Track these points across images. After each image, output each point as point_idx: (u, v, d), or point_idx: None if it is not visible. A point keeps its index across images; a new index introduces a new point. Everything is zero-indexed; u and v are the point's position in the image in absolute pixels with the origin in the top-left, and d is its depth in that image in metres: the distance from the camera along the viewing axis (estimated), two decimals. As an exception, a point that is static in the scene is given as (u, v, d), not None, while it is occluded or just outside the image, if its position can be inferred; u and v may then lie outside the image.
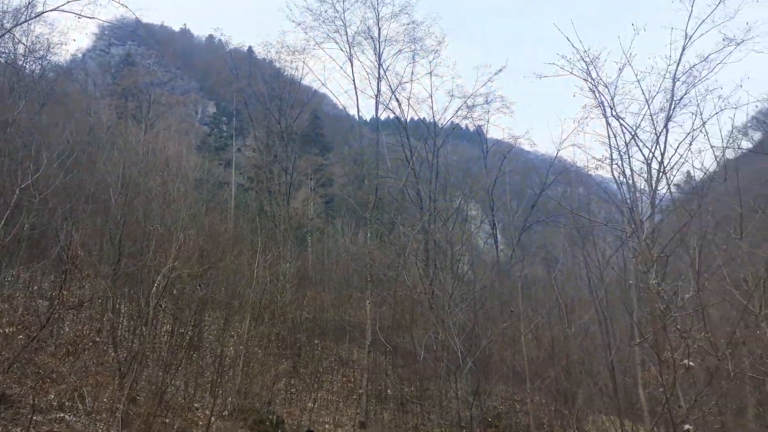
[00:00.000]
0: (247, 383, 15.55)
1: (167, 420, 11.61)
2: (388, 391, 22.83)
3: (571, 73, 16.19)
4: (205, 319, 19.94)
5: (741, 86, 15.57)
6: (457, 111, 31.44)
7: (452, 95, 34.78)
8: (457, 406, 12.04)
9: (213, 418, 12.46)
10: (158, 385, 11.91)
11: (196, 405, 13.98)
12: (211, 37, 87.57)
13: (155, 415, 10.88)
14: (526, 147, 40.71)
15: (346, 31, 28.12)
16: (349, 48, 28.13)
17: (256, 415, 14.89)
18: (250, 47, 46.94)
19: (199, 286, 14.98)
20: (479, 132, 36.90)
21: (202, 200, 27.34)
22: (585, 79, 16.06)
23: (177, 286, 14.11)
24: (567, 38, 16.14)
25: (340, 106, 53.94)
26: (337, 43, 28.30)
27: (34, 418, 8.95)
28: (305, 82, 34.51)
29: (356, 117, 34.80)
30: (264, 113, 34.15)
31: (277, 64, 34.14)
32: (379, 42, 28.12)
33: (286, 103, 32.70)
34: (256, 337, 20.74)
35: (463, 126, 40.50)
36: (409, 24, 28.45)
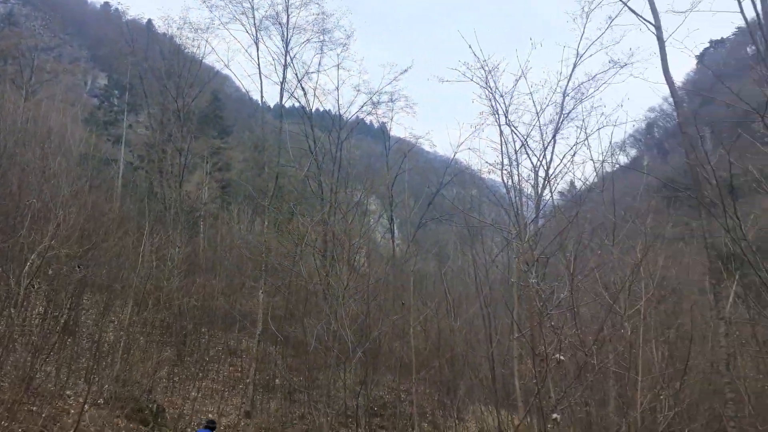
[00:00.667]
0: (126, 370, 14.81)
1: (35, 408, 10.81)
2: (276, 381, 22.66)
3: (471, 80, 16.96)
4: (83, 302, 18.70)
5: (621, 106, 17.23)
6: (362, 106, 31.73)
7: (359, 90, 34.92)
8: (345, 396, 12.22)
9: (87, 406, 11.75)
10: (26, 370, 11.04)
11: (68, 392, 13.10)
12: (107, 4, 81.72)
13: (21, 402, 10.10)
14: (427, 147, 41.97)
15: (253, 14, 27.44)
16: (256, 32, 27.50)
17: (134, 404, 14.23)
18: (149, 20, 44.40)
19: (78, 267, 14.01)
20: (383, 129, 37.47)
21: (86, 177, 25.46)
22: (483, 87, 16.88)
23: (53, 266, 13.10)
24: (470, 46, 16.88)
25: (243, 90, 52.42)
26: (243, 25, 27.56)
27: None
28: (207, 61, 33.13)
29: (260, 102, 33.95)
30: (160, 90, 32.44)
31: (178, 41, 32.50)
32: (287, 29, 27.75)
33: (185, 81, 31.25)
34: (138, 323, 19.78)
35: (368, 122, 40.91)
36: (319, 14, 28.30)
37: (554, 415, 7.56)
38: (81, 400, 12.14)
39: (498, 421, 14.12)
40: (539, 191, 15.47)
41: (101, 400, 13.66)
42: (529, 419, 11.53)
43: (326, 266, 23.70)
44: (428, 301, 21.84)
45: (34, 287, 12.45)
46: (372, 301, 18.50)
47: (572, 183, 19.23)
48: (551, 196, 17.15)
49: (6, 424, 8.89)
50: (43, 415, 10.48)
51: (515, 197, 15.27)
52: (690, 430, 10.83)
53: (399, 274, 28.54)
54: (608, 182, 15.37)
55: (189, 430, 15.84)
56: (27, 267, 11.37)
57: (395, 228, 37.44)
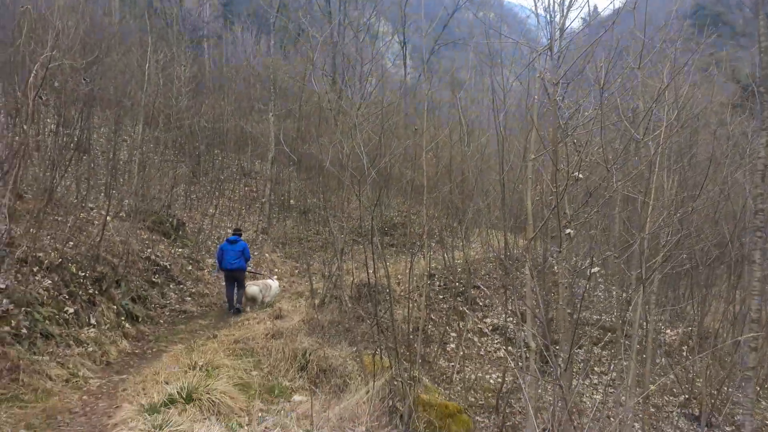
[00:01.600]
0: (144, 186, 15.12)
1: (59, 218, 11.18)
2: (291, 201, 23.34)
3: None
4: (93, 121, 18.56)
5: None
6: None
7: None
8: (360, 214, 12.50)
9: (109, 218, 12.18)
10: (46, 183, 11.23)
11: (90, 205, 13.51)
12: None
13: (45, 211, 10.40)
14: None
15: None
16: None
17: (155, 217, 14.75)
18: None
19: (84, 80, 13.58)
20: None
21: (80, -13, 23.71)
22: None
23: (58, 79, 12.68)
24: None
25: None
26: None
27: None
28: None
29: None
30: None
31: None
32: None
33: None
34: (150, 141, 19.84)
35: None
36: None
37: (567, 230, 7.65)
38: (103, 212, 12.54)
39: (505, 240, 14.63)
40: (565, 12, 14.26)
41: (122, 213, 14.14)
42: (539, 236, 11.91)
43: (337, 89, 23.05)
44: (441, 127, 21.54)
45: (41, 99, 12.14)
46: (385, 123, 18.22)
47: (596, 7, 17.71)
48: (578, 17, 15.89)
49: (34, 231, 9.22)
50: (69, 225, 10.87)
51: (543, 12, 14.16)
52: (696, 249, 11.19)
53: (412, 101, 27.90)
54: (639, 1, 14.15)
55: (209, 242, 16.65)
56: (31, 78, 10.96)
57: (407, 53, 35.77)
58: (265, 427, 5.25)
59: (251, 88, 27.51)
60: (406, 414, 6.86)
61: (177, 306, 12.12)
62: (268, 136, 22.82)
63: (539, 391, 9.16)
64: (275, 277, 14.61)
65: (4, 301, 7.41)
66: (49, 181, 11.58)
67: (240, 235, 12.56)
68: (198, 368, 6.82)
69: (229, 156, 26.06)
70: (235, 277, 11.92)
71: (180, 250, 14.58)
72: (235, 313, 11.78)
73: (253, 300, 12.40)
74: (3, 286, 7.66)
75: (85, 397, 6.47)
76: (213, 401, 5.43)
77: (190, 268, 14.05)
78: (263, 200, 21.67)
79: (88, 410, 5.91)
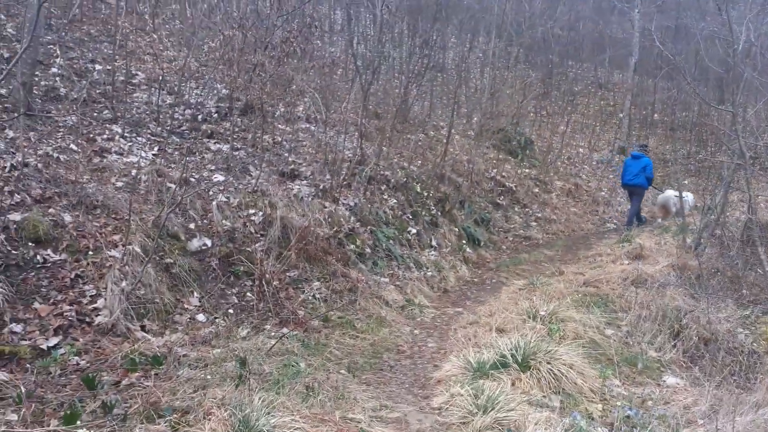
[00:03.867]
0: (493, 103, 14.32)
1: (409, 135, 11.18)
2: (655, 116, 19.82)
3: None
4: (446, 38, 18.54)
5: None
6: None
7: None
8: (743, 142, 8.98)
9: (458, 136, 11.82)
10: (398, 101, 11.28)
11: (441, 123, 13.41)
12: None
13: (396, 129, 10.43)
14: None
15: None
16: None
17: (502, 134, 13.90)
18: None
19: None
20: None
21: None
22: None
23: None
24: None
25: None
26: None
27: (284, 127, 9.11)
28: None
29: None
30: None
31: None
32: None
33: None
34: (502, 56, 18.95)
35: None
36: None
37: None
38: (453, 131, 12.23)
39: None
40: None
41: (471, 132, 13.70)
42: None
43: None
44: None
45: (389, 7, 12.11)
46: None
47: None
48: None
49: (386, 149, 9.22)
50: (417, 143, 10.78)
51: None
52: None
53: None
54: None
55: (559, 162, 15.14)
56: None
57: None
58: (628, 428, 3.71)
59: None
60: None
61: (521, 231, 11.17)
62: (631, 38, 19.45)
63: None
64: (691, 193, 12.59)
65: (352, 218, 7.45)
66: (402, 98, 11.69)
67: (646, 151, 11.90)
68: (539, 319, 5.61)
69: (583, 67, 23.55)
70: (634, 193, 11.60)
71: (527, 170, 13.51)
72: (628, 229, 11.03)
73: (664, 208, 12.00)
74: (352, 204, 7.74)
75: (416, 331, 5.98)
76: (555, 374, 4.15)
77: (537, 190, 12.90)
78: (621, 115, 18.83)
79: (416, 351, 5.35)
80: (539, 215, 11.98)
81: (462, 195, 10.22)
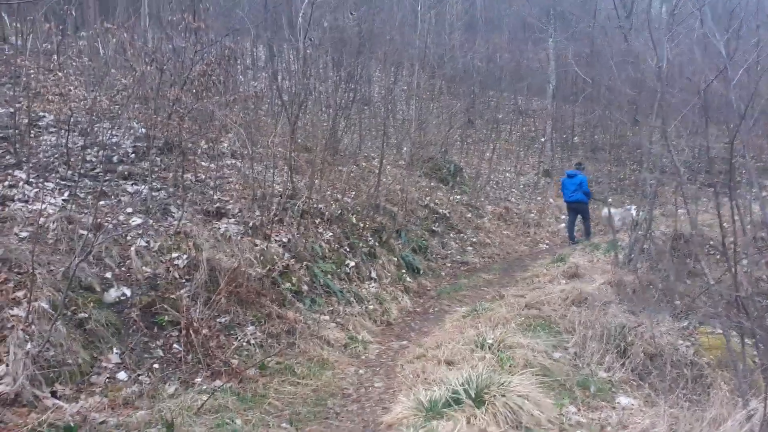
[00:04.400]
0: (421, 133, 14.40)
1: (340, 167, 10.97)
2: (575, 138, 20.66)
3: None
4: (372, 72, 18.67)
5: None
6: None
7: None
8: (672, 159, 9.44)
9: (389, 166, 11.73)
10: (327, 134, 11.08)
11: (372, 154, 13.31)
12: None
13: (327, 162, 10.20)
14: None
15: None
16: None
17: (431, 163, 13.97)
18: None
19: (351, 13, 13.20)
20: None
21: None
22: None
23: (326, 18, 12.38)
24: None
25: None
26: None
27: (207, 164, 8.67)
28: None
29: None
30: None
31: None
32: None
33: None
34: (426, 87, 19.24)
35: None
36: None
37: None
38: (384, 161, 12.15)
39: None
40: None
41: (402, 162, 13.67)
42: None
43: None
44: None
45: (311, 40, 11.97)
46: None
47: None
48: None
49: (317, 182, 8.94)
50: (350, 174, 10.58)
51: None
52: None
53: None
54: None
55: (488, 188, 15.36)
56: (300, 18, 10.76)
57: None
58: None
59: (528, 14, 25.02)
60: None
61: (458, 257, 11.11)
62: (547, 67, 20.33)
63: None
64: (634, 207, 12.81)
65: (286, 255, 7.08)
66: (331, 131, 11.50)
67: (582, 169, 12.38)
68: (487, 347, 5.42)
69: (503, 95, 24.36)
70: (578, 210, 12.03)
71: (458, 197, 13.58)
72: (573, 244, 11.74)
73: (609, 222, 11.98)
74: (286, 240, 7.37)
75: (361, 370, 5.64)
76: (511, 407, 3.94)
77: (469, 215, 12.95)
78: (543, 139, 19.50)
79: (362, 393, 5.01)
80: (474, 240, 11.99)
81: (398, 224, 10.05)
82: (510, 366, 5.06)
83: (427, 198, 12.20)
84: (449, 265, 10.65)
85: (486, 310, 7.33)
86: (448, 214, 12.11)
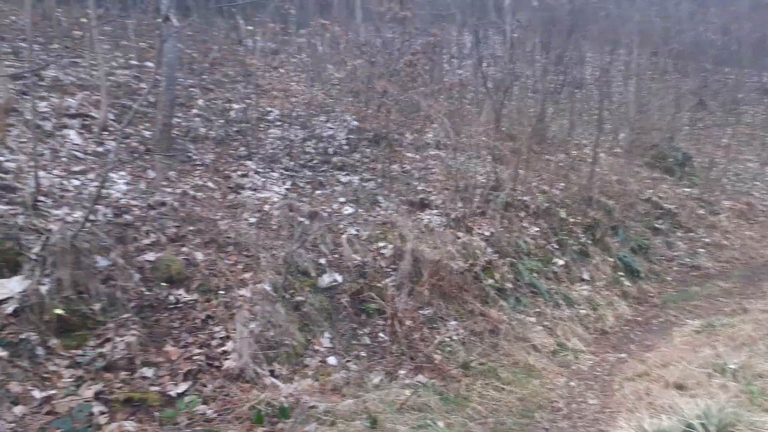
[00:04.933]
0: (641, 118, 12.93)
1: (548, 157, 10.28)
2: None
3: None
4: (585, 52, 17.28)
5: None
6: None
7: None
8: None
9: (602, 154, 10.69)
10: (536, 119, 10.45)
11: (584, 142, 12.29)
12: None
13: (533, 151, 9.61)
14: None
15: None
16: None
17: (655, 151, 12.45)
18: None
19: None
20: None
21: None
22: None
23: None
24: None
25: None
26: None
27: (413, 155, 8.72)
28: None
29: None
30: None
31: None
32: None
33: None
34: (647, 67, 17.28)
35: None
36: None
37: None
38: (596, 149, 11.14)
39: None
40: None
41: (617, 149, 12.42)
42: None
43: None
44: None
45: (519, 21, 11.33)
46: None
47: None
48: None
49: (522, 172, 8.45)
50: (558, 164, 9.85)
51: None
52: None
53: None
54: None
55: (725, 179, 13.24)
56: None
57: None
58: None
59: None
60: None
61: (687, 260, 9.70)
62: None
63: None
64: None
65: (488, 249, 6.77)
66: (538, 117, 10.85)
67: None
68: (729, 373, 4.51)
69: (744, 72, 20.86)
70: None
71: (687, 190, 11.93)
72: None
73: None
74: (488, 234, 7.06)
75: (572, 383, 5.11)
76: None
77: (701, 212, 11.27)
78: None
79: (574, 409, 4.50)
80: (707, 240, 10.38)
81: (614, 220, 9.08)
82: (763, 401, 4.12)
83: (649, 191, 10.89)
84: (676, 268, 9.35)
85: (725, 325, 6.21)
86: (674, 210, 10.68)
